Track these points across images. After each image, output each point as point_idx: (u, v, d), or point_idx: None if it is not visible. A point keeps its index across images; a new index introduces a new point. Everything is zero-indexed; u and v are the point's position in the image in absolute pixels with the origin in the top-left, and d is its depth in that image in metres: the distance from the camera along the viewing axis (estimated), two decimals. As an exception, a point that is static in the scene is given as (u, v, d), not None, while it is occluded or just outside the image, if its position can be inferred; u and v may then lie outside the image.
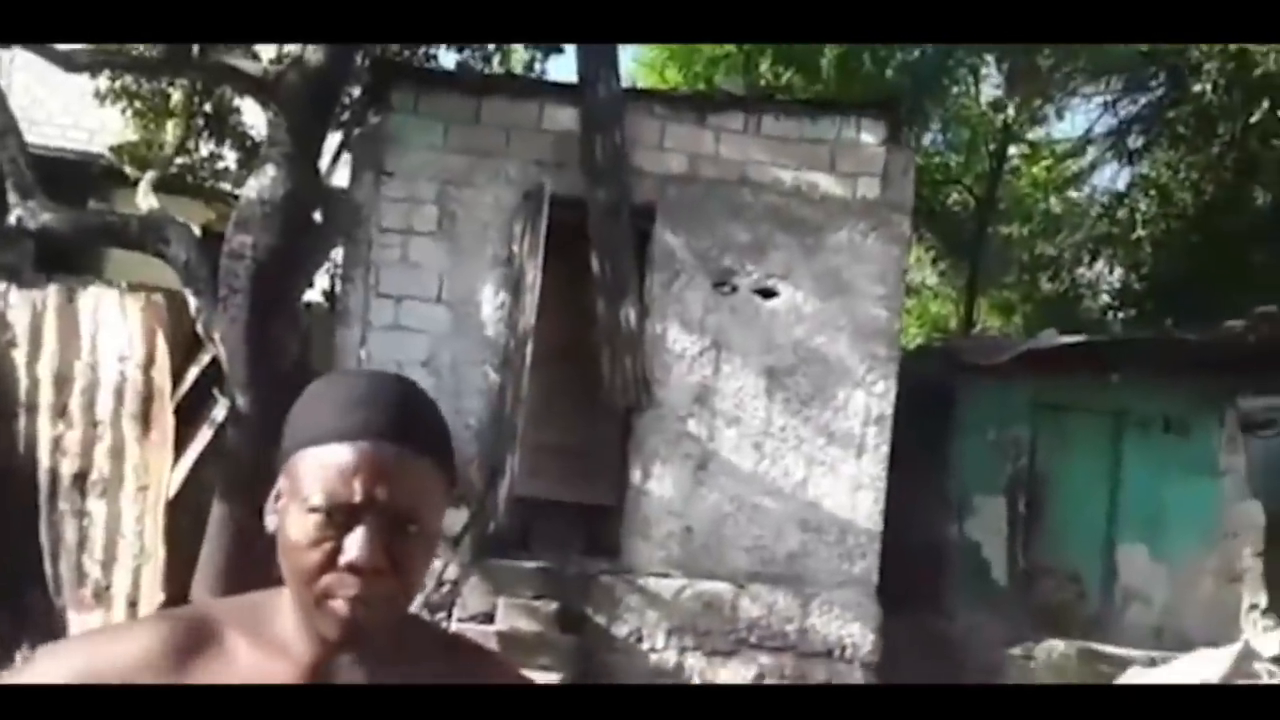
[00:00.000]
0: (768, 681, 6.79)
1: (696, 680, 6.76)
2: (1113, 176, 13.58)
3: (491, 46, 9.02)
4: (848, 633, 6.89)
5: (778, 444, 7.00)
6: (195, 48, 6.38)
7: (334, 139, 7.61)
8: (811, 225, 7.08)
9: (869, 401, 7.01)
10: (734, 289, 7.07)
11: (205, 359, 6.57)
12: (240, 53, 6.65)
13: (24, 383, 6.73)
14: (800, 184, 7.09)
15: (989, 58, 12.62)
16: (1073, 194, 15.16)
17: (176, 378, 6.78)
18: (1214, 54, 9.99)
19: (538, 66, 9.73)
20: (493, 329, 6.99)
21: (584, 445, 7.68)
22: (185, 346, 6.74)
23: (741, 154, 7.12)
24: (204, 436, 6.65)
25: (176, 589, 6.15)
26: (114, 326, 6.76)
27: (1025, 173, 15.03)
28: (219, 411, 6.46)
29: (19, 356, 6.75)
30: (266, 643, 1.08)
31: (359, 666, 1.08)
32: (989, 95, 13.68)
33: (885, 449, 6.99)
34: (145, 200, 7.68)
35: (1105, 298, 13.66)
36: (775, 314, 7.06)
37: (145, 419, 6.73)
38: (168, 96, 8.47)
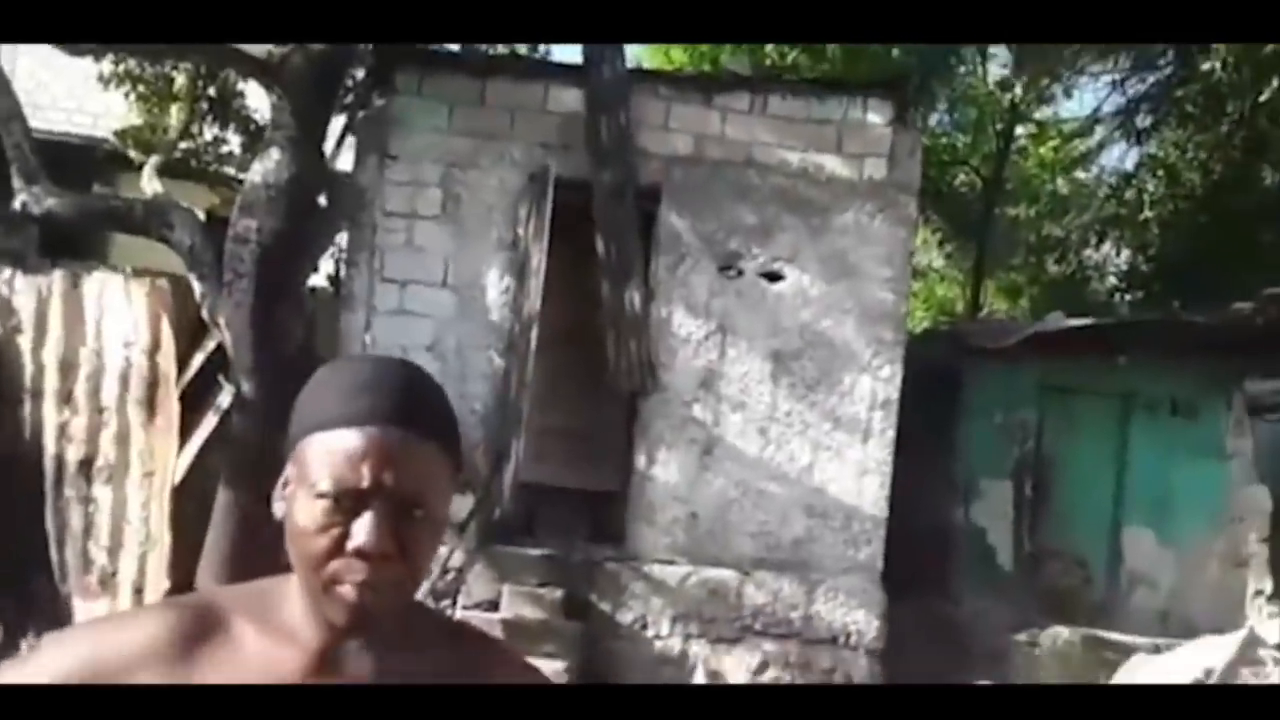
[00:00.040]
0: (772, 668, 6.81)
1: (701, 667, 6.77)
2: (1120, 156, 13.51)
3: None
4: (853, 619, 6.89)
5: (783, 429, 6.99)
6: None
7: (338, 122, 7.58)
8: (818, 207, 7.05)
9: (875, 386, 6.99)
10: (740, 272, 7.04)
11: (210, 344, 6.57)
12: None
13: (29, 369, 6.73)
14: (806, 165, 7.06)
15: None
16: (1080, 174, 15.10)
17: (181, 363, 6.78)
18: (1223, 33, 9.89)
19: (542, 48, 9.68)
20: (498, 313, 6.97)
21: (589, 430, 7.69)
22: (190, 332, 6.74)
23: (747, 135, 7.08)
24: (209, 422, 6.65)
25: (182, 575, 6.16)
26: (119, 312, 6.76)
27: (1032, 153, 14.97)
28: (224, 397, 6.46)
29: (24, 342, 6.75)
30: (274, 629, 1.08)
31: (366, 653, 1.08)
32: (996, 75, 13.61)
33: (891, 433, 6.98)
34: (150, 185, 7.67)
35: (1112, 280, 13.61)
36: (781, 297, 7.04)
37: (150, 405, 6.73)
38: (172, 81, 8.44)
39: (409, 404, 1.05)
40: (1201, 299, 9.00)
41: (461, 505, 6.45)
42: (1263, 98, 9.92)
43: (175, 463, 6.66)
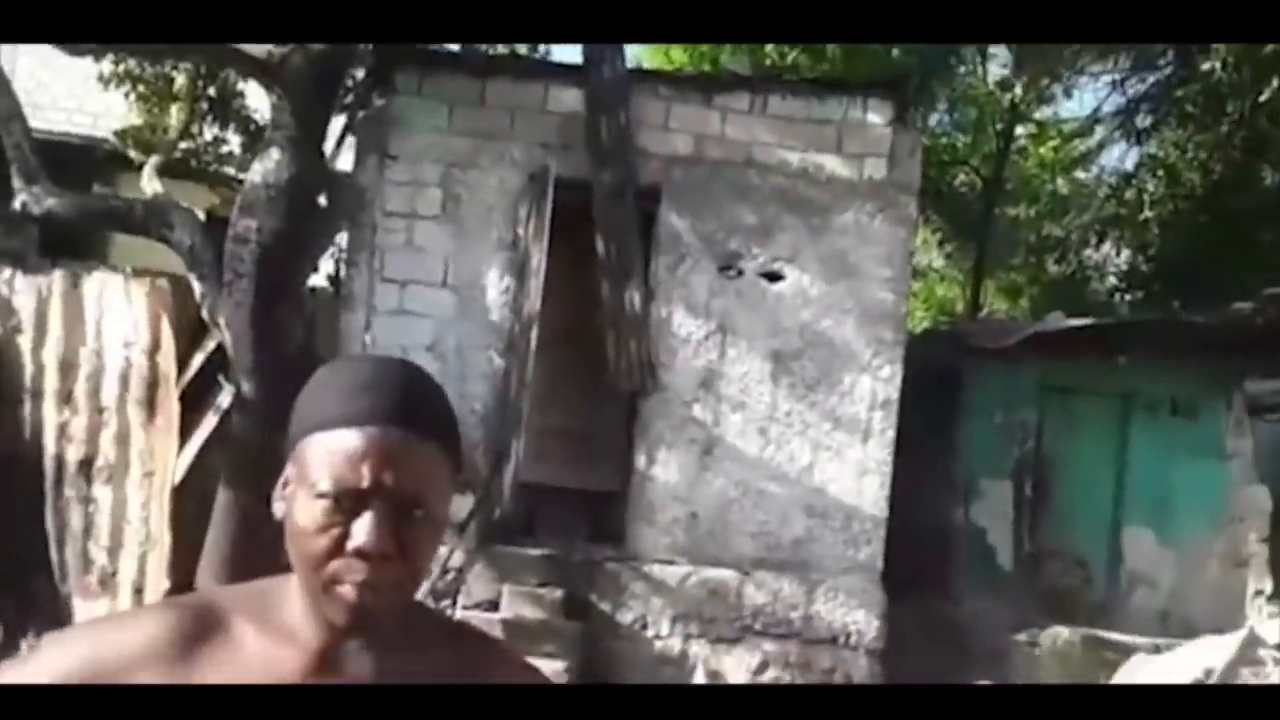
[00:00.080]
0: (772, 668, 6.81)
1: (701, 667, 6.77)
2: (1120, 156, 13.51)
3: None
4: (853, 619, 6.89)
5: (783, 429, 6.99)
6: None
7: (338, 122, 7.58)
8: (818, 207, 7.05)
9: (875, 386, 6.99)
10: (740, 272, 7.04)
11: (210, 344, 6.57)
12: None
13: (29, 369, 6.73)
14: (806, 165, 7.06)
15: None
16: (1080, 174, 15.09)
17: (181, 363, 6.77)
18: (1223, 33, 9.89)
19: (542, 48, 9.68)
20: (497, 313, 6.97)
21: (589, 430, 7.69)
22: (190, 332, 6.74)
23: (747, 135, 7.08)
24: (209, 422, 6.65)
25: (182, 575, 6.16)
26: (119, 312, 6.75)
27: (1032, 153, 14.97)
28: (224, 397, 6.46)
29: (24, 342, 6.75)
30: (274, 629, 1.08)
31: (366, 653, 1.08)
32: (996, 75, 13.61)
33: (891, 433, 6.98)
34: (150, 185, 7.67)
35: (1112, 280, 13.61)
36: (781, 297, 7.04)
37: (150, 405, 6.73)
38: (172, 80, 8.44)
39: (409, 404, 1.05)
40: (1201, 299, 9.00)
41: (461, 505, 6.45)
42: (1263, 98, 9.92)
43: (175, 463, 6.66)
